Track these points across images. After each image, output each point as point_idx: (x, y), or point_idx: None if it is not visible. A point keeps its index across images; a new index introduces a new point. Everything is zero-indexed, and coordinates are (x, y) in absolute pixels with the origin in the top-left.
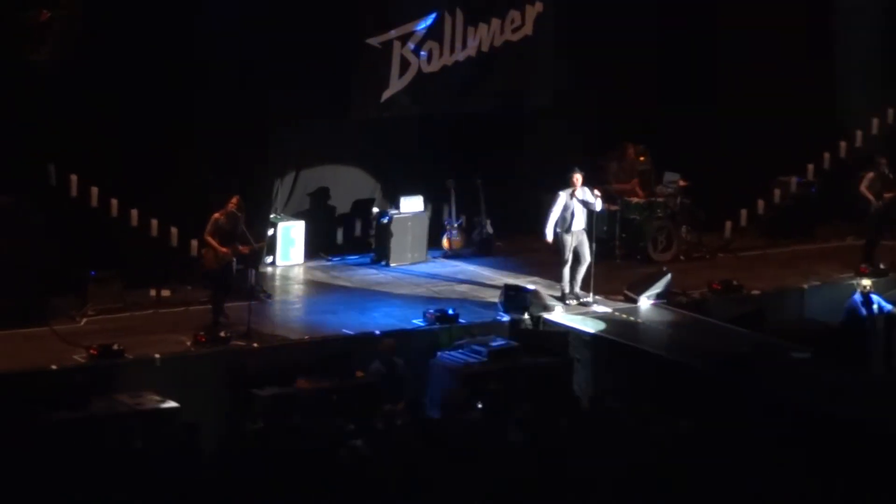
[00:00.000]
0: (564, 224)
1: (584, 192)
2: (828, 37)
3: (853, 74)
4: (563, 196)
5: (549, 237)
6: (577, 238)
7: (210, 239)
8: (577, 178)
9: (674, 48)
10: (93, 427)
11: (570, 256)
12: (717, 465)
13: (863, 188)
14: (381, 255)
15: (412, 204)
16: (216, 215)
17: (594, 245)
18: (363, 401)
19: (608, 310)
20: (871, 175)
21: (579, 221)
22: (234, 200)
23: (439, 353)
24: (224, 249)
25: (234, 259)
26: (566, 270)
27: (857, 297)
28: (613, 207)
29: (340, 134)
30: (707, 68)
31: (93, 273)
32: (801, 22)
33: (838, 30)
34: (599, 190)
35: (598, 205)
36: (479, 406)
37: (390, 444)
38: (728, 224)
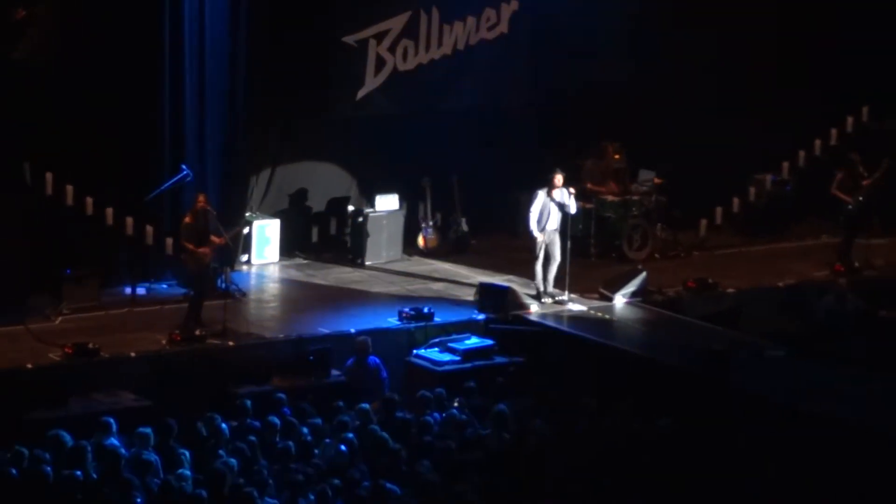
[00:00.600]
0: (539, 223)
1: (561, 194)
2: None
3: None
4: (541, 195)
5: (537, 234)
6: (549, 237)
7: (187, 244)
8: (558, 178)
9: (649, 45)
10: (70, 426)
11: (541, 255)
12: (694, 462)
13: (833, 190)
14: (356, 254)
15: (387, 202)
16: (186, 220)
17: (569, 243)
18: (339, 400)
19: (584, 308)
20: (840, 176)
21: (553, 221)
22: (200, 199)
23: (414, 352)
24: (202, 250)
25: (212, 257)
26: (538, 268)
27: (832, 295)
28: (588, 205)
29: (316, 132)
30: (681, 64)
31: (68, 271)
32: (772, 19)
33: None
34: (574, 188)
35: (573, 207)
36: (455, 405)
37: (364, 443)
38: (703, 222)
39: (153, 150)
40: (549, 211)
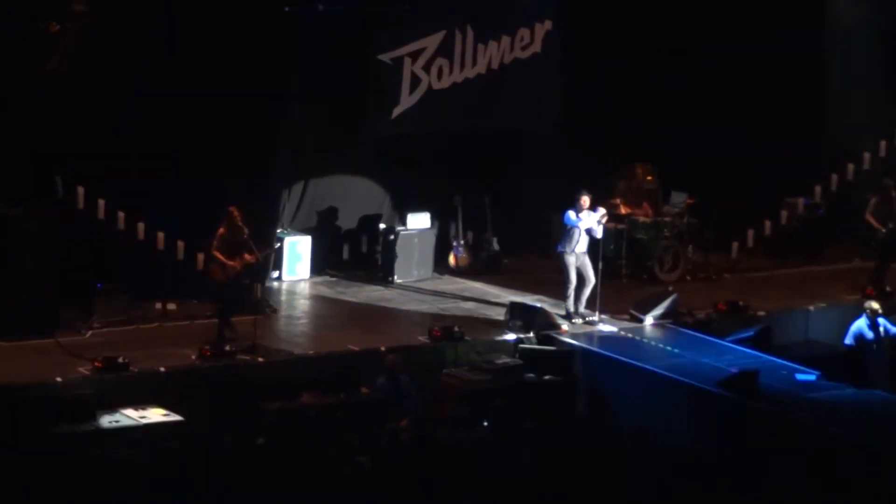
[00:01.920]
0: (570, 245)
1: (588, 217)
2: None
3: (858, 96)
4: (572, 214)
5: (567, 256)
6: (580, 259)
7: (217, 254)
8: (585, 199)
9: (681, 67)
10: (98, 440)
11: (573, 276)
12: (721, 484)
13: (868, 215)
14: (387, 272)
15: (419, 220)
16: (220, 230)
17: (600, 264)
18: (368, 417)
19: (614, 329)
20: (874, 200)
21: (582, 244)
22: (235, 212)
23: (444, 370)
24: (231, 263)
25: (242, 273)
26: (570, 290)
27: (864, 319)
28: (620, 226)
29: (350, 149)
30: (715, 88)
31: (99, 285)
32: (808, 43)
33: (836, 52)
34: (606, 209)
35: (599, 232)
36: (485, 424)
37: (394, 461)
38: (735, 244)
39: (186, 165)
40: (580, 232)
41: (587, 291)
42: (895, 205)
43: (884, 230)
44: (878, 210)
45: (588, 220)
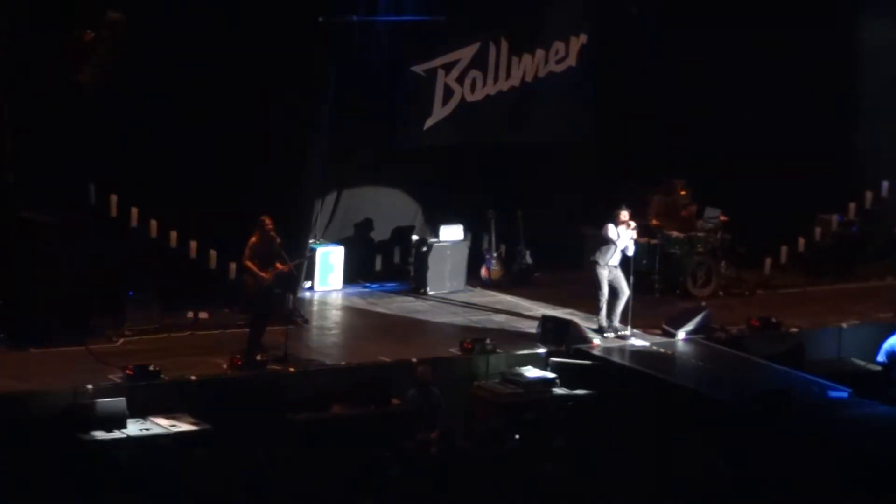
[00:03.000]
0: (604, 258)
1: (626, 233)
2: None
3: (891, 113)
4: (612, 229)
5: (601, 268)
6: (612, 273)
7: (249, 264)
8: (623, 214)
9: (716, 83)
10: (129, 447)
11: (606, 289)
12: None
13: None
14: (419, 284)
15: (452, 233)
16: (252, 239)
17: (632, 278)
18: (398, 428)
19: (646, 343)
20: None
21: (615, 258)
22: (267, 222)
23: (475, 383)
24: (263, 273)
25: (273, 282)
26: (604, 303)
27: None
28: (654, 241)
29: (382, 160)
30: (749, 104)
31: (130, 293)
32: (841, 61)
33: (869, 69)
34: (640, 223)
35: (631, 250)
36: (517, 437)
37: (424, 473)
38: (768, 261)
39: (219, 175)
40: (615, 248)
41: (621, 304)
42: None
43: None
44: None
45: (625, 238)
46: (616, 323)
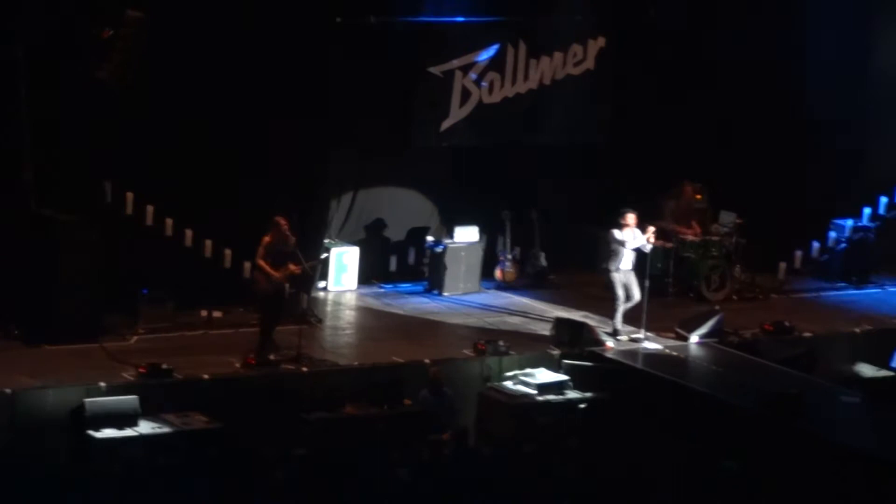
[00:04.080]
0: (615, 263)
1: (633, 234)
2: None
3: None
4: (618, 234)
5: (613, 273)
6: (626, 277)
7: (262, 263)
8: (629, 218)
9: (731, 87)
10: (141, 446)
11: (622, 293)
12: None
13: None
14: (434, 284)
15: (467, 234)
16: (266, 238)
17: (647, 282)
18: (410, 429)
19: (659, 347)
20: None
21: (627, 261)
22: (282, 222)
23: (488, 385)
24: (276, 273)
25: (287, 283)
26: (620, 306)
27: None
28: (669, 245)
29: (398, 161)
30: (764, 107)
31: (145, 291)
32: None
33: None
34: (655, 227)
35: (648, 248)
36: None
37: (435, 474)
38: (782, 265)
39: (235, 174)
40: (625, 251)
41: (628, 307)
42: None
43: None
44: None
45: (634, 241)
46: (618, 325)
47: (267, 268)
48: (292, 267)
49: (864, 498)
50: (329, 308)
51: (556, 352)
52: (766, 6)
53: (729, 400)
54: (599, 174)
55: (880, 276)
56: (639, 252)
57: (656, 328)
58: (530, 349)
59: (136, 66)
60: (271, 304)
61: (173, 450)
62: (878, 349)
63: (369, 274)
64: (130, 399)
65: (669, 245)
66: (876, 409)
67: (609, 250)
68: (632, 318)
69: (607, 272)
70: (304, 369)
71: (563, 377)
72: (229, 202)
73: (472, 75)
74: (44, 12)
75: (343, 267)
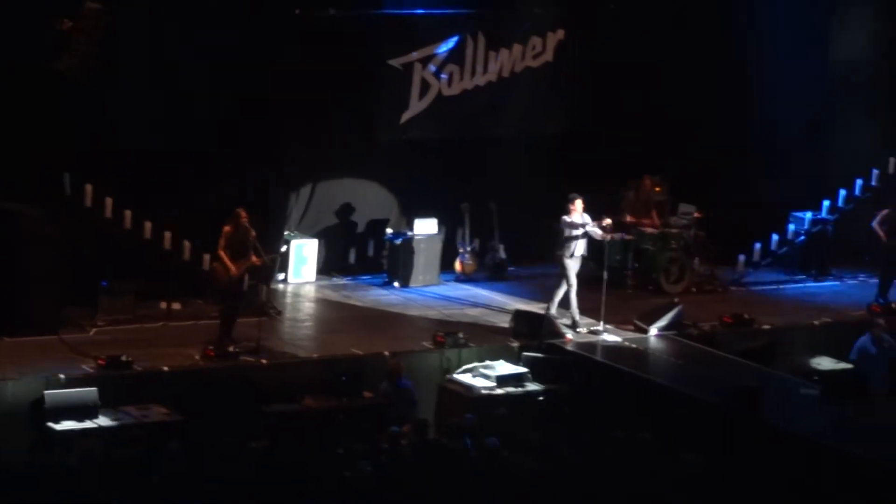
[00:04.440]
0: (570, 249)
1: (583, 219)
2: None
3: (864, 114)
4: (567, 219)
5: (567, 260)
6: (577, 264)
7: (222, 253)
8: (576, 204)
9: (694, 80)
10: (99, 438)
11: (574, 280)
12: (722, 499)
13: (875, 224)
14: (393, 277)
15: (426, 226)
16: (226, 228)
17: (605, 274)
18: (370, 422)
19: (618, 339)
20: (885, 212)
21: (580, 248)
22: (243, 213)
23: (447, 377)
24: (236, 265)
25: (246, 274)
26: (573, 296)
27: (868, 335)
28: (628, 237)
29: (358, 153)
30: (725, 99)
31: (104, 283)
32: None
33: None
34: (612, 218)
35: (599, 233)
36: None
37: (395, 466)
38: (741, 258)
39: (194, 166)
40: (577, 238)
41: (561, 293)
42: None
43: (885, 240)
44: (885, 222)
45: (584, 225)
46: (553, 310)
47: (226, 259)
48: (253, 259)
49: (823, 489)
50: (288, 300)
51: (515, 344)
52: (726, 2)
53: (688, 392)
54: (558, 166)
55: (839, 269)
56: (593, 241)
57: (615, 321)
58: (489, 341)
59: (95, 58)
60: (230, 295)
61: (133, 442)
62: (837, 342)
63: (328, 266)
64: (90, 391)
65: (628, 237)
66: (834, 401)
67: (562, 238)
68: (590, 310)
69: (560, 258)
70: (264, 361)
71: (522, 369)
72: (188, 194)
73: (432, 67)
74: (2, 4)
75: (302, 259)
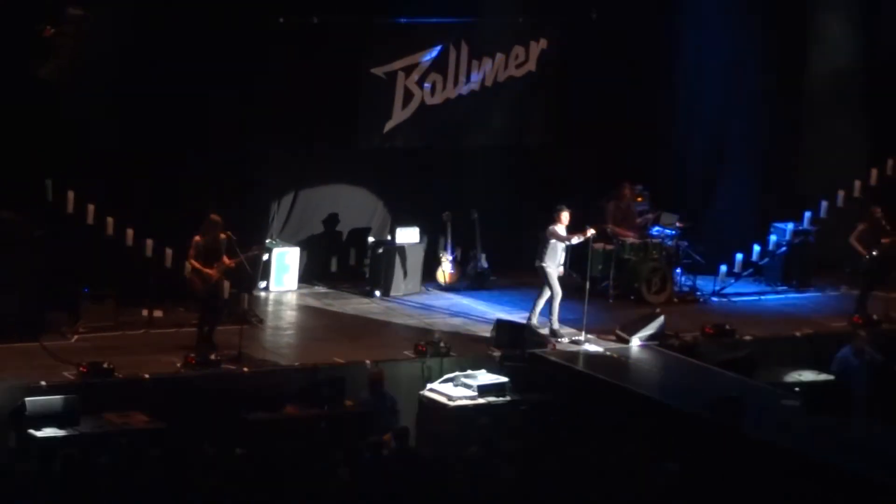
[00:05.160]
0: (555, 259)
1: (567, 232)
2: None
3: (847, 126)
4: (558, 229)
5: (551, 269)
6: (561, 272)
7: (194, 263)
8: (564, 215)
9: (676, 89)
10: (80, 445)
11: (558, 288)
12: None
13: (853, 240)
14: (375, 285)
15: (408, 235)
16: (196, 238)
17: (587, 284)
18: (351, 430)
19: (600, 349)
20: (861, 227)
21: (562, 258)
22: (214, 218)
23: (428, 386)
24: (209, 270)
25: (224, 278)
26: (556, 304)
27: (849, 347)
28: (609, 247)
29: (341, 162)
30: (706, 111)
31: (86, 290)
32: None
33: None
34: (596, 229)
35: (575, 240)
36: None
37: (376, 475)
38: (723, 268)
39: (176, 173)
40: (562, 248)
41: (542, 302)
42: (882, 236)
43: (867, 256)
44: (863, 237)
45: (572, 237)
46: (535, 320)
47: (199, 266)
48: (227, 260)
49: (803, 501)
50: (270, 308)
51: (496, 353)
52: (708, 13)
53: (670, 402)
54: (541, 176)
55: (821, 280)
56: (574, 252)
57: (597, 331)
58: (471, 350)
59: (78, 65)
60: (208, 303)
61: (114, 449)
62: (819, 353)
63: (310, 274)
64: (71, 398)
65: (610, 247)
66: (816, 412)
67: (548, 247)
68: (573, 321)
69: (543, 269)
70: (245, 369)
71: (503, 379)
72: (170, 202)
73: (415, 77)
74: None
75: (284, 267)
